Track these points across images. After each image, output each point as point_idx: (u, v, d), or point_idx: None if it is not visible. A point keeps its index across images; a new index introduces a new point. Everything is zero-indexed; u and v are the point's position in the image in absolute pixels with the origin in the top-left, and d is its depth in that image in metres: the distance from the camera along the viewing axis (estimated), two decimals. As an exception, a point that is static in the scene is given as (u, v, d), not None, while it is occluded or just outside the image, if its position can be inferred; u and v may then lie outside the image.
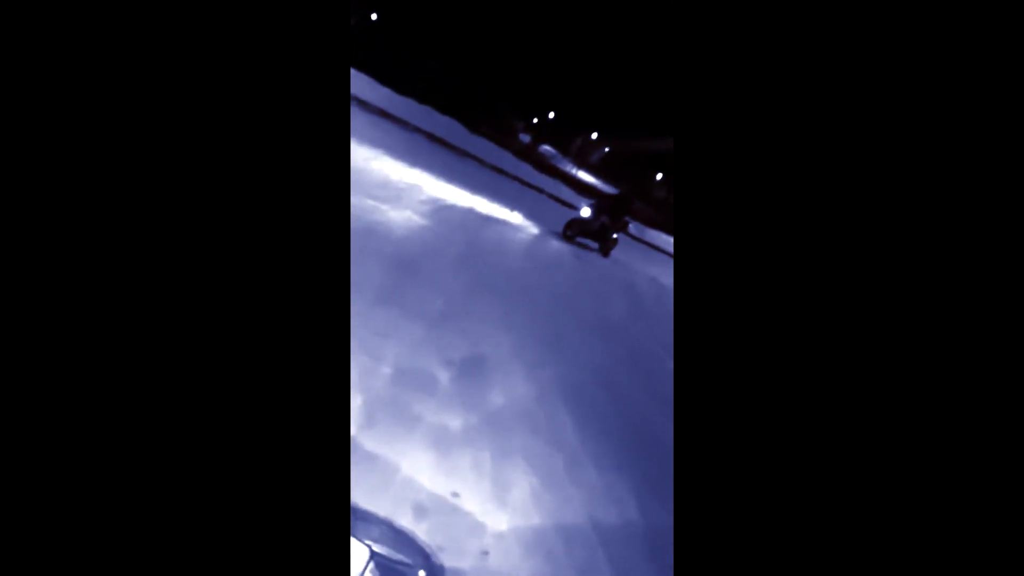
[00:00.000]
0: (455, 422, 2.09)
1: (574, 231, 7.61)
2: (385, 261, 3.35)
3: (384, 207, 4.44)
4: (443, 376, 2.38)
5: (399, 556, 0.62)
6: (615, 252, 7.96)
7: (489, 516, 1.70)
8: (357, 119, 8.15)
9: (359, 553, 0.56)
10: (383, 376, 2.15)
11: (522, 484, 1.93)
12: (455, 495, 1.72)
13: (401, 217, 4.46)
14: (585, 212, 7.66)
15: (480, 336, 3.00)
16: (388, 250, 3.60)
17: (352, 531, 0.58)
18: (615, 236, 7.86)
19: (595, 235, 7.71)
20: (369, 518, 0.64)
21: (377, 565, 0.59)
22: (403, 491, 1.64)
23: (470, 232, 5.33)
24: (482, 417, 2.22)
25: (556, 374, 2.99)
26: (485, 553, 1.56)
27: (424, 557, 0.63)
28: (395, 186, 5.42)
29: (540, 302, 4.27)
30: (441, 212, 5.38)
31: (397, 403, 2.03)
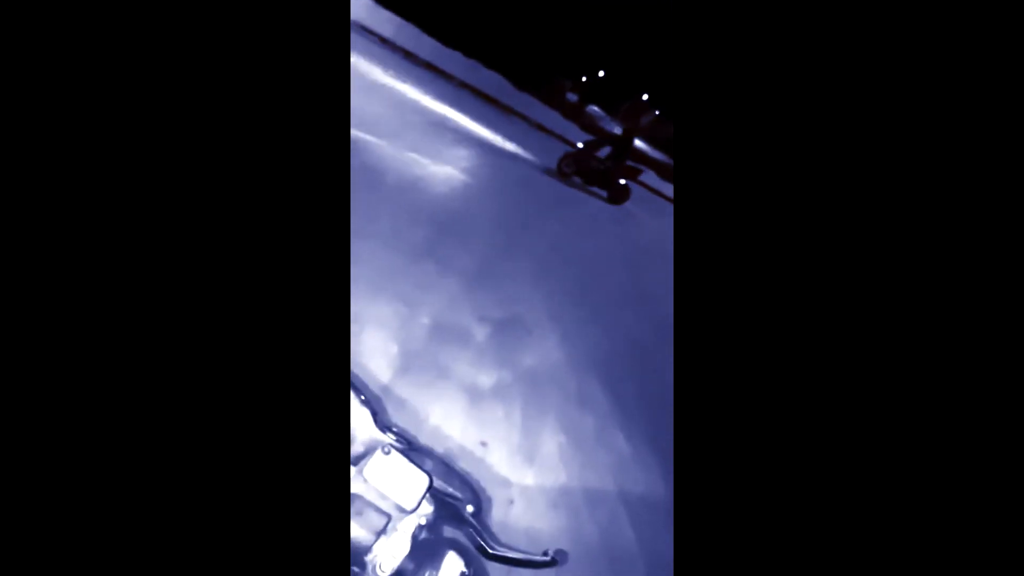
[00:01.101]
0: (487, 378, 2.12)
1: (570, 167, 6.90)
2: (425, 216, 3.35)
3: (426, 161, 4.42)
4: (478, 333, 2.40)
5: (451, 489, 0.64)
6: (660, 219, 7.66)
7: (516, 470, 1.74)
8: (403, 71, 8.05)
9: (420, 481, 0.59)
10: (420, 327, 2.18)
11: (550, 443, 1.95)
12: (484, 445, 1.76)
13: (443, 173, 4.43)
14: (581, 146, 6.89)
15: (516, 296, 2.99)
16: (428, 205, 3.60)
17: (411, 459, 0.60)
18: (623, 183, 7.06)
19: (599, 180, 6.99)
20: (424, 451, 0.66)
21: (431, 495, 0.61)
22: (433, 437, 1.69)
23: (510, 191, 5.26)
24: (514, 375, 2.24)
25: (589, 340, 2.97)
26: (511, 502, 1.60)
27: (473, 494, 0.66)
28: (438, 141, 5.37)
29: (577, 266, 4.22)
30: (482, 170, 5.32)
31: (432, 355, 2.07)
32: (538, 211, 5.22)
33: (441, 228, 3.30)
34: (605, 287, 4.07)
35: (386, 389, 1.74)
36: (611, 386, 2.57)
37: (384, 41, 9.26)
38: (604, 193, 7.21)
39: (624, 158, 7.07)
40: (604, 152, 7.09)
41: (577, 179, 7.08)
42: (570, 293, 3.51)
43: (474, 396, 1.97)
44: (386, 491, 0.58)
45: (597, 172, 6.98)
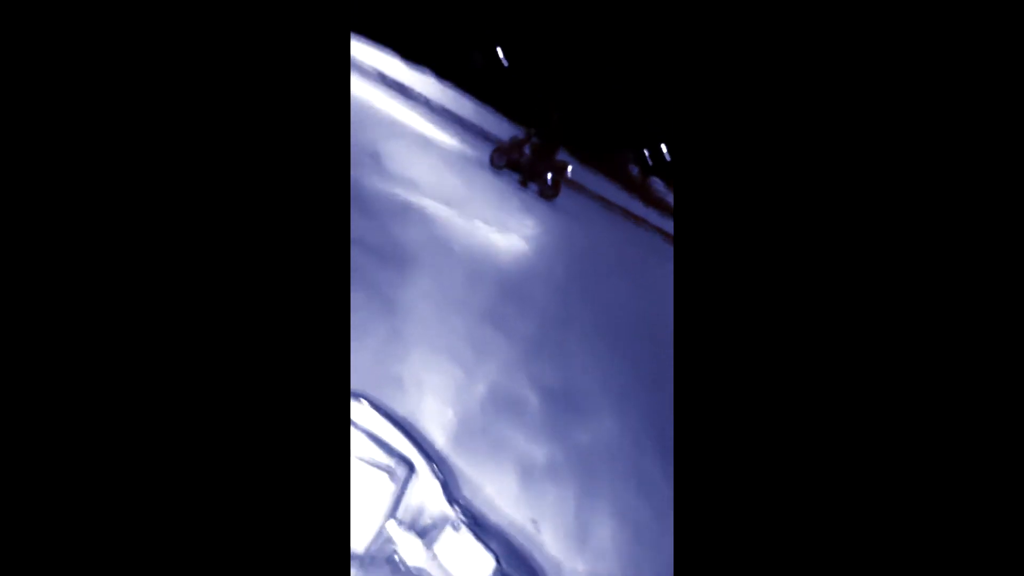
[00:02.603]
0: (541, 453, 2.09)
1: (500, 160, 6.91)
2: (487, 282, 3.47)
3: (492, 229, 4.63)
4: (533, 402, 2.39)
5: (515, 572, 0.64)
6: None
7: (566, 554, 1.67)
8: (468, 143, 8.63)
9: (485, 563, 0.59)
10: (476, 394, 2.21)
11: (603, 528, 1.86)
12: (535, 523, 1.71)
13: (506, 241, 4.61)
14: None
15: (572, 366, 2.98)
16: (491, 272, 3.73)
17: (477, 536, 0.61)
18: (551, 175, 6.90)
19: (529, 174, 6.88)
20: (490, 529, 0.66)
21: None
22: (485, 512, 1.67)
23: (572, 260, 5.35)
24: (568, 452, 2.19)
25: (646, 413, 2.87)
26: (560, 592, 1.53)
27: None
28: (503, 211, 5.63)
29: (635, 337, 4.14)
30: (544, 239, 5.48)
31: (487, 424, 2.08)
32: (599, 280, 5.25)
33: (503, 294, 3.39)
34: (662, 359, 3.95)
35: (442, 458, 1.76)
36: (668, 464, 2.44)
37: (461, 121, 10.06)
38: (536, 188, 7.02)
39: (551, 152, 6.92)
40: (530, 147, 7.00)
41: (508, 172, 6.98)
42: (628, 363, 3.44)
43: (527, 471, 1.94)
44: (454, 570, 0.59)
45: (523, 166, 6.91)
